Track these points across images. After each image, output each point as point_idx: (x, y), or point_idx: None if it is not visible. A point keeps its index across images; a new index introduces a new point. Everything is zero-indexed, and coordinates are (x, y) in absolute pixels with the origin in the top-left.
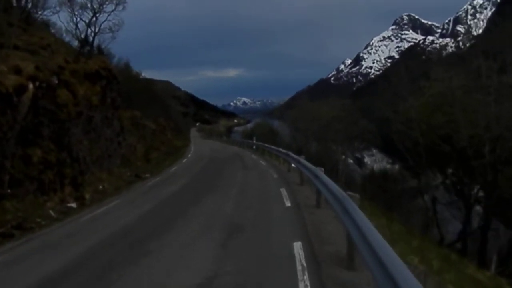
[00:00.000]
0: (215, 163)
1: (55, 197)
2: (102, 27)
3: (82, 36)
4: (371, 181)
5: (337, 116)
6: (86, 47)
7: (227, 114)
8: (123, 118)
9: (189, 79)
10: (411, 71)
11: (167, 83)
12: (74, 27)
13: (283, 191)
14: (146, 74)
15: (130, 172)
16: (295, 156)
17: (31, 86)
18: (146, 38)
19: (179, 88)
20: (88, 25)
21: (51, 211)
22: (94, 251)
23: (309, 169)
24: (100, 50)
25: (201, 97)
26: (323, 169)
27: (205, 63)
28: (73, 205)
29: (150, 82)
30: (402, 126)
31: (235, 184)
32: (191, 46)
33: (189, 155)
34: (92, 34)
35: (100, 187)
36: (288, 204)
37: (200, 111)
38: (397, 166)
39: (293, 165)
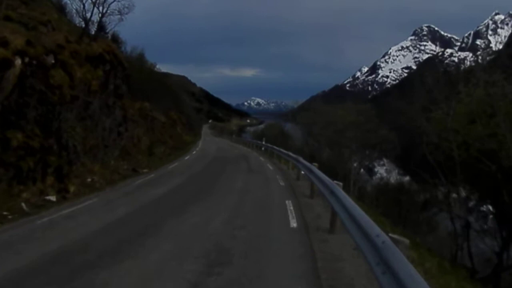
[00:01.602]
0: (218, 163)
1: (33, 188)
2: (110, 8)
3: (88, 15)
4: (385, 193)
5: (354, 122)
6: (93, 29)
7: (240, 113)
8: (128, 107)
9: (205, 76)
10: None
11: (183, 78)
12: (80, 5)
13: (289, 205)
14: (163, 67)
15: (128, 165)
16: (306, 163)
17: (19, 61)
18: (165, 33)
19: (194, 84)
20: (95, 3)
21: (23, 204)
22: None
23: (322, 181)
24: (105, 32)
25: (216, 95)
26: (341, 184)
27: (222, 61)
28: (52, 198)
29: (164, 75)
30: (435, 137)
31: (234, 191)
32: (209, 43)
33: (194, 152)
34: (100, 14)
35: (89, 179)
36: (293, 224)
37: (214, 108)
38: (407, 178)
39: (302, 172)
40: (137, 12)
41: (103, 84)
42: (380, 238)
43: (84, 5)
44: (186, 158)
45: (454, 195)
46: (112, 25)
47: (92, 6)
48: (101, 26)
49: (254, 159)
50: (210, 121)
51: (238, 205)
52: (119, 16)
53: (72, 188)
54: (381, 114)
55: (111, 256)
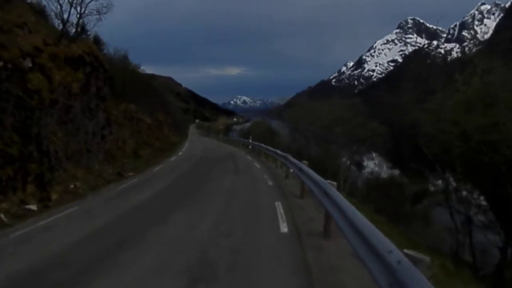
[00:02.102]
0: (205, 163)
1: (13, 197)
2: (88, 8)
3: (65, 16)
4: (376, 188)
5: (341, 117)
6: (73, 30)
7: (227, 112)
8: (111, 110)
9: (191, 76)
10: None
11: (169, 79)
12: (57, 6)
13: (279, 207)
14: (149, 69)
15: (113, 169)
16: (295, 161)
17: None
18: (150, 35)
19: (180, 84)
20: (72, 4)
21: (2, 215)
22: None
23: (314, 181)
24: (85, 33)
25: (202, 94)
26: (335, 183)
27: (207, 60)
28: (33, 207)
29: (150, 76)
30: (432, 129)
31: (220, 193)
32: (194, 43)
33: (180, 153)
34: (77, 15)
35: (72, 186)
36: (284, 229)
37: (200, 108)
38: (397, 172)
39: (291, 170)
40: (120, 14)
41: (84, 86)
42: (394, 256)
43: (61, 6)
44: (172, 159)
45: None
46: (91, 26)
47: (70, 7)
48: (82, 28)
49: (241, 158)
50: (197, 121)
51: (224, 209)
52: (98, 16)
53: (54, 196)
54: (369, 108)
55: (87, 274)
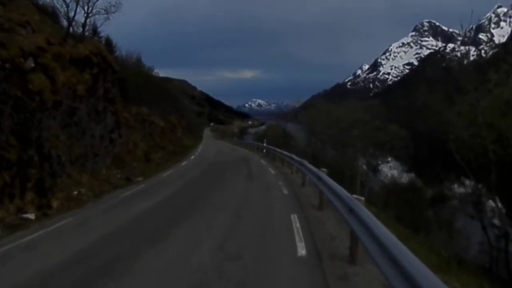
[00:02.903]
0: (216, 168)
1: (10, 205)
2: (96, 7)
3: (71, 15)
4: (395, 193)
5: (360, 119)
6: (80, 30)
7: (242, 115)
8: (121, 112)
9: (206, 79)
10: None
11: (184, 82)
12: (63, 4)
13: (295, 221)
14: (163, 72)
15: (121, 174)
16: (313, 168)
17: None
18: (165, 38)
19: (195, 88)
20: (78, 2)
21: None
22: None
23: (337, 194)
24: (97, 34)
25: (216, 97)
26: (362, 199)
27: (222, 63)
28: (31, 216)
29: (164, 79)
30: (465, 133)
31: (230, 202)
32: (209, 46)
33: (192, 157)
34: (85, 14)
35: (75, 192)
36: (302, 251)
37: (215, 111)
38: (412, 175)
39: (308, 176)
40: (135, 17)
41: (91, 88)
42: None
43: (67, 4)
44: (184, 163)
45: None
46: (99, 25)
47: (76, 5)
48: (94, 30)
49: (255, 162)
50: (211, 124)
51: (233, 224)
52: (106, 15)
53: (55, 203)
54: (386, 110)
55: None
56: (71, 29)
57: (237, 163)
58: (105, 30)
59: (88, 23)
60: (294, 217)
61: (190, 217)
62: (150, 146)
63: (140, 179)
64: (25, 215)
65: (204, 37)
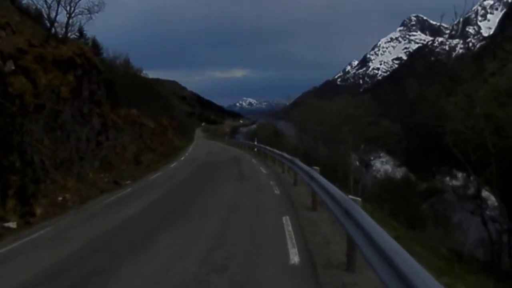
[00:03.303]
0: (207, 169)
1: None
2: (78, 7)
3: (53, 15)
4: (389, 189)
5: (351, 115)
6: (64, 31)
7: (233, 114)
8: (108, 114)
9: (196, 79)
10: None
11: (174, 83)
12: (44, 4)
13: (287, 224)
14: (153, 73)
15: (109, 177)
16: (304, 166)
17: None
18: (153, 39)
19: (185, 88)
20: (59, 2)
21: None
22: None
23: (330, 195)
24: (83, 36)
25: (207, 97)
26: (359, 200)
27: (212, 63)
28: (13, 224)
29: (153, 80)
30: (462, 125)
31: (219, 205)
32: (198, 46)
33: (182, 158)
34: (67, 15)
35: (60, 198)
36: (294, 258)
37: (206, 111)
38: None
39: (299, 174)
40: (123, 19)
41: (76, 90)
42: None
43: (49, 5)
44: (173, 165)
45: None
46: (82, 25)
47: (57, 5)
48: (80, 32)
49: (246, 162)
50: (202, 124)
51: (221, 229)
52: (88, 15)
53: (38, 210)
54: (377, 106)
55: None
56: (54, 30)
57: (227, 163)
58: (92, 32)
59: (71, 24)
60: (286, 220)
61: (175, 224)
62: (140, 148)
63: (128, 182)
64: (6, 224)
65: (194, 37)
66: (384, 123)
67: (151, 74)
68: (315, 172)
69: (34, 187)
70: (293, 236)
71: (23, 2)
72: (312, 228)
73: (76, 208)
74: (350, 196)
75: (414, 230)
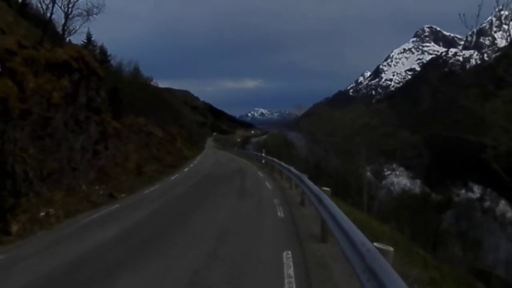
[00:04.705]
0: (208, 182)
1: None
2: (77, 8)
3: (55, 18)
4: (406, 205)
5: (366, 125)
6: (68, 34)
7: (245, 124)
8: (109, 122)
9: (208, 90)
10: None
11: (186, 92)
12: (39, 5)
13: (288, 265)
14: (166, 83)
15: (105, 189)
16: (313, 186)
17: None
18: (166, 50)
19: (197, 98)
20: (54, 2)
21: None
22: None
23: (346, 233)
24: (92, 44)
25: (219, 107)
26: (391, 249)
27: (224, 74)
28: None
29: (163, 89)
30: (505, 136)
31: (209, 231)
32: (211, 57)
33: (186, 169)
34: (64, 16)
35: (42, 213)
36: None
37: (218, 121)
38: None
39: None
40: (136, 30)
41: (71, 96)
42: None
43: (44, 5)
44: (174, 177)
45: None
46: (78, 26)
47: (52, 5)
48: (88, 38)
49: (251, 175)
50: (214, 134)
51: (203, 270)
52: (87, 17)
53: (15, 227)
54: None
55: None
56: (51, 32)
57: (231, 176)
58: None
59: (68, 26)
60: (287, 257)
61: (147, 259)
62: (144, 158)
63: (123, 195)
64: None
65: (206, 48)
66: (402, 134)
67: (163, 83)
68: (325, 195)
69: (12, 200)
70: (297, 283)
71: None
72: (321, 272)
73: (47, 229)
74: (376, 245)
75: (436, 250)
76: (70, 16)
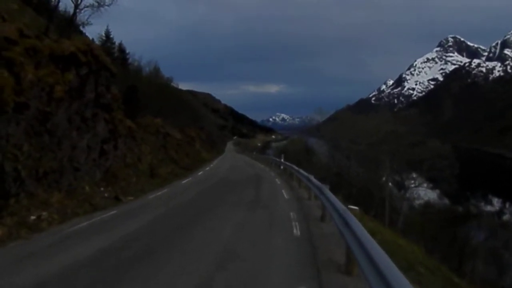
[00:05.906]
0: (220, 188)
1: None
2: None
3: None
4: (430, 218)
5: (392, 133)
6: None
7: (266, 129)
8: (120, 121)
9: (230, 93)
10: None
11: (208, 95)
12: None
13: None
14: (189, 85)
15: (111, 191)
16: (337, 202)
17: None
18: (191, 52)
19: (219, 101)
20: None
21: None
22: None
23: (374, 264)
24: (111, 41)
25: (240, 111)
26: None
27: (247, 77)
28: None
29: (185, 91)
30: None
31: (208, 252)
32: (234, 60)
33: (200, 173)
34: (74, 6)
35: (33, 217)
36: None
37: (239, 125)
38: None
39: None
40: (161, 32)
41: (77, 90)
42: None
43: None
44: (185, 181)
45: None
46: (87, 17)
47: None
48: (107, 36)
49: (268, 181)
50: (234, 137)
51: None
52: (97, 8)
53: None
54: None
55: None
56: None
57: (246, 182)
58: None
59: (86, 20)
60: None
61: (134, 282)
62: (160, 159)
63: (130, 198)
64: None
65: (230, 52)
66: (431, 144)
67: (185, 85)
68: (351, 216)
69: (1, 202)
70: None
71: None
72: None
73: (24, 238)
74: None
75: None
76: (80, 7)
